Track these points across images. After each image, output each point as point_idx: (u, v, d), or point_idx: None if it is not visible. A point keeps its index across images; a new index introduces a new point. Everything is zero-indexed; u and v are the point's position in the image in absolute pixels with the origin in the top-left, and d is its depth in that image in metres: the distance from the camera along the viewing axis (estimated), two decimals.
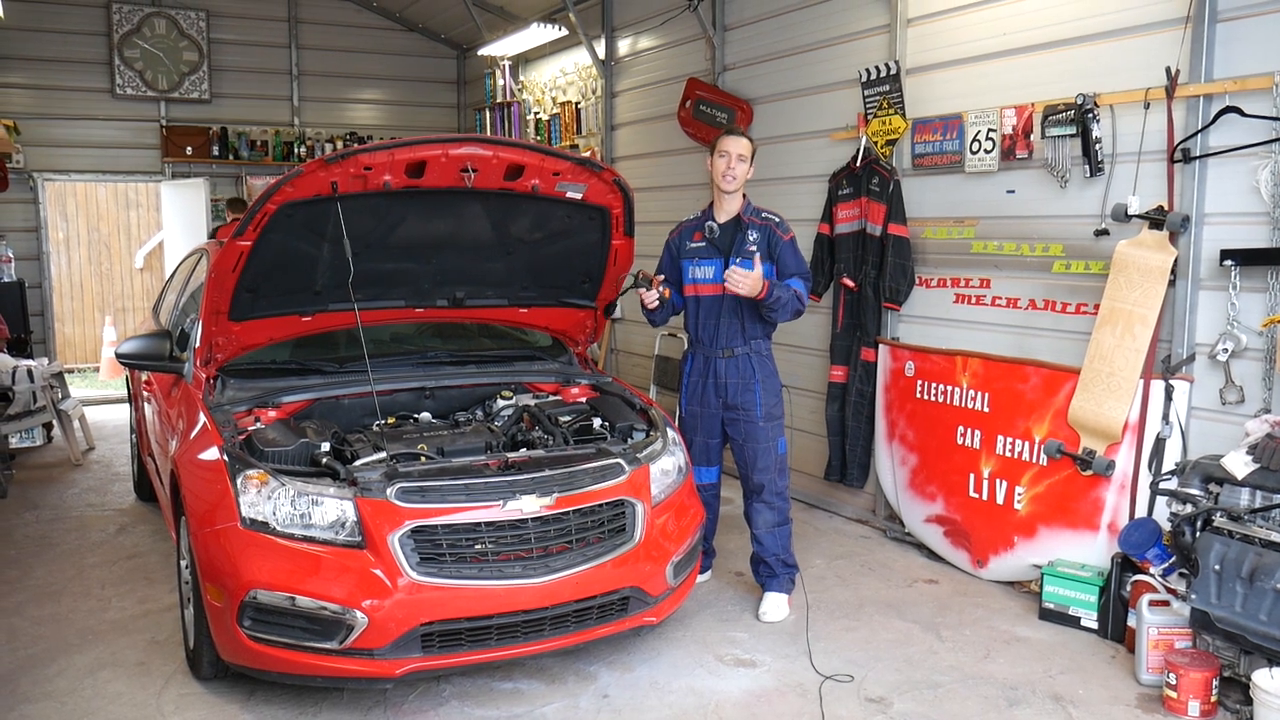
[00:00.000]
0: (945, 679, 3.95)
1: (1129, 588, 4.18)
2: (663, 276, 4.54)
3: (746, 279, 4.26)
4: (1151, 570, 4.09)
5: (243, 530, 3.49)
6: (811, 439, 6.30)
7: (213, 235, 9.83)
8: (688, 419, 4.68)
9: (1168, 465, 4.27)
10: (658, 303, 4.50)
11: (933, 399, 5.30)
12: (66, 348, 12.09)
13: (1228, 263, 4.07)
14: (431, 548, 3.49)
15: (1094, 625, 4.32)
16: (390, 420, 4.26)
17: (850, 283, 5.79)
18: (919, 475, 5.39)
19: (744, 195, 4.59)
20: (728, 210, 4.57)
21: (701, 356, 4.63)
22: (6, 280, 9.26)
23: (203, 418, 3.98)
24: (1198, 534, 3.75)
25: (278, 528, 3.48)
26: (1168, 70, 4.24)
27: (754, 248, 4.48)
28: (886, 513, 5.77)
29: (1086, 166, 4.58)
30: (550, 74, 9.71)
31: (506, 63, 10.33)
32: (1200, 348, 4.26)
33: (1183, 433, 4.31)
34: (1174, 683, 3.62)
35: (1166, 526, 4.06)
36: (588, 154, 8.44)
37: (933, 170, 5.41)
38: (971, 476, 5.05)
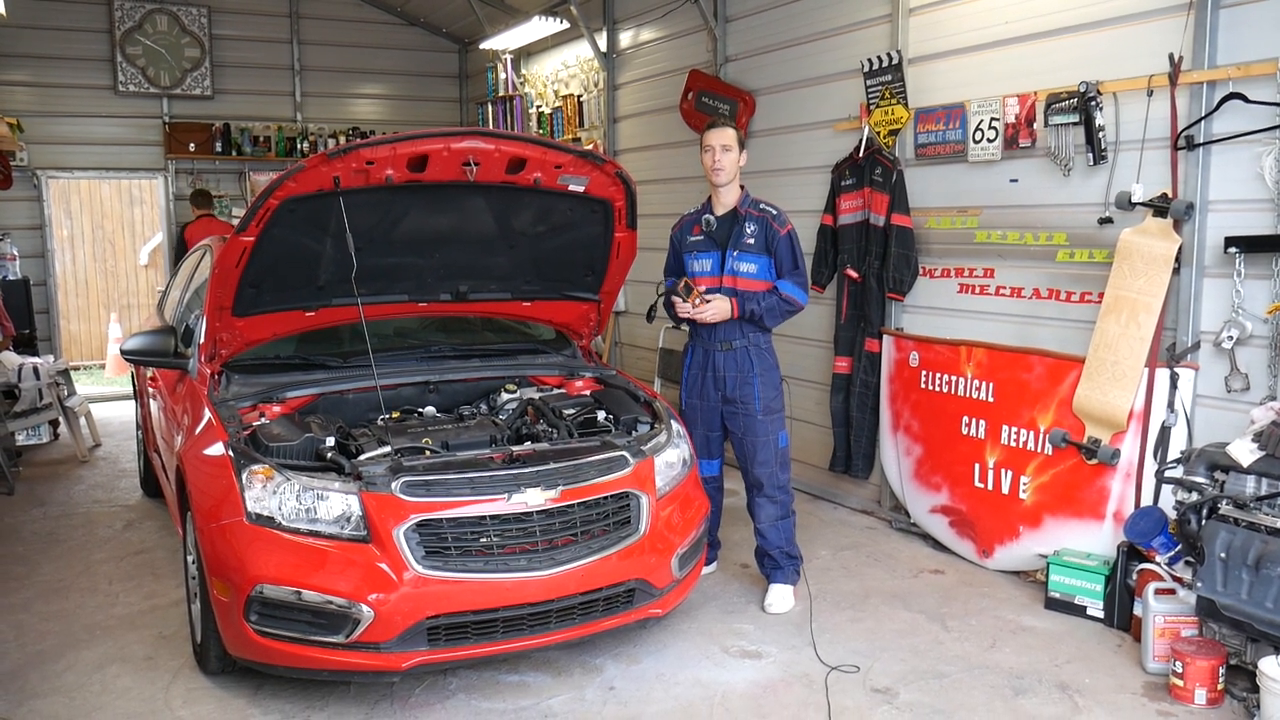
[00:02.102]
0: (951, 669, 3.95)
1: (1135, 576, 4.18)
2: (703, 288, 4.50)
3: (710, 311, 4.40)
4: (1157, 559, 4.08)
5: (248, 525, 3.50)
6: (816, 430, 6.30)
7: (181, 230, 9.86)
8: (688, 412, 4.68)
9: (1173, 453, 4.27)
10: (684, 323, 4.54)
11: (937, 389, 5.29)
12: (72, 345, 12.12)
13: (1232, 250, 4.05)
14: (437, 541, 3.49)
15: (1100, 614, 4.32)
16: (395, 415, 4.27)
17: (854, 273, 5.78)
18: (924, 466, 5.39)
19: (741, 187, 4.58)
20: (725, 203, 4.57)
21: (701, 349, 4.63)
22: (11, 278, 9.28)
23: (208, 413, 3.99)
24: (1203, 522, 3.74)
25: (283, 522, 3.49)
26: (1171, 57, 4.22)
27: (752, 240, 4.48)
28: (891, 503, 5.77)
29: (1090, 154, 4.57)
30: (552, 67, 9.70)
31: (508, 56, 10.32)
32: (1205, 335, 4.25)
33: (1188, 421, 4.30)
34: (1180, 671, 3.62)
35: (1172, 515, 4.06)
36: (590, 147, 8.43)
37: (936, 160, 5.39)
38: (977, 466, 5.05)
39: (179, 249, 9.91)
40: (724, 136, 4.46)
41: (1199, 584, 3.65)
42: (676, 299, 4.48)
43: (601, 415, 4.36)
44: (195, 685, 3.85)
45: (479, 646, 3.56)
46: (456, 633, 3.51)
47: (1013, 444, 4.88)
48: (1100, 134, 4.51)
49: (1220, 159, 4.16)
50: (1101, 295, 4.50)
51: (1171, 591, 3.91)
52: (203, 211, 9.81)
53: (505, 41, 9.73)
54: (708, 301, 4.45)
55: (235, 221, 9.83)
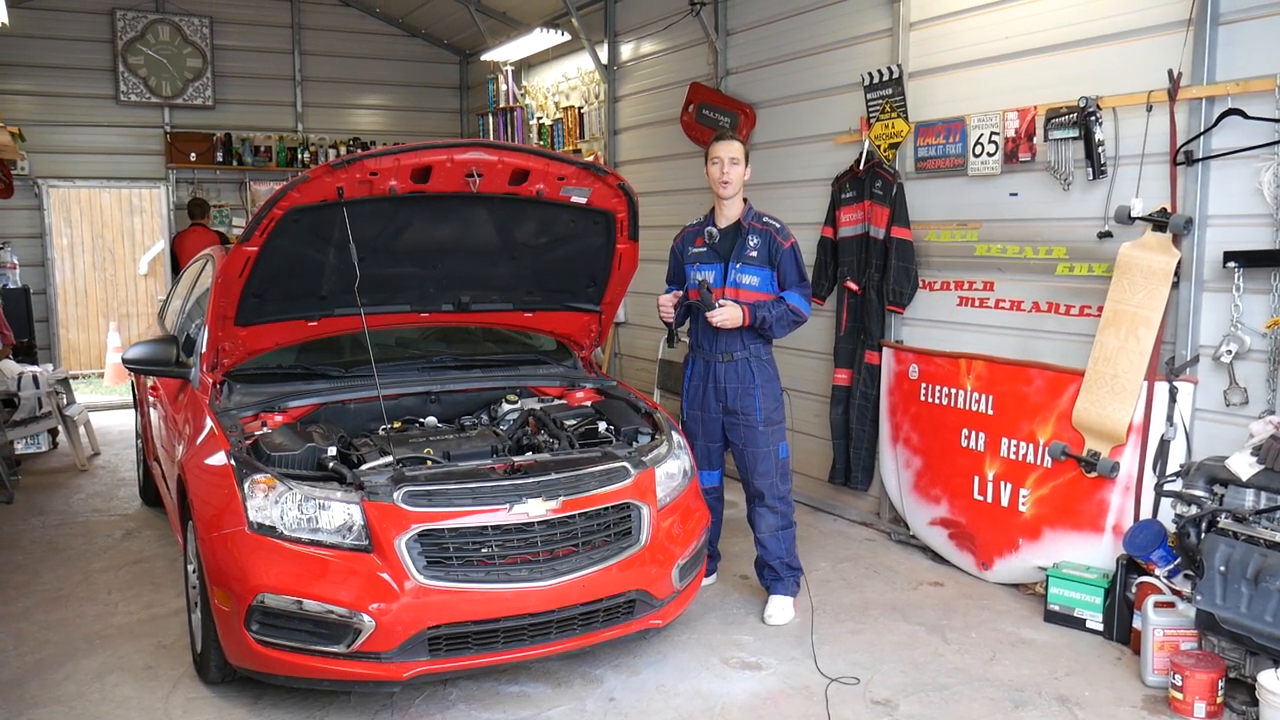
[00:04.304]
0: (951, 681, 3.95)
1: (1134, 589, 4.18)
2: (722, 289, 4.52)
3: (722, 315, 4.39)
4: (1157, 572, 4.09)
5: (250, 534, 3.50)
6: (815, 442, 6.31)
7: (172, 242, 9.99)
8: (689, 423, 4.69)
9: (1172, 467, 4.28)
10: (686, 333, 4.61)
11: (937, 402, 5.30)
12: (71, 354, 12.12)
13: (1231, 264, 4.08)
14: (438, 551, 3.50)
15: (1099, 627, 4.33)
16: (396, 425, 4.27)
17: (854, 286, 5.80)
18: (923, 478, 5.39)
19: (745, 199, 4.61)
20: (728, 215, 4.59)
21: (702, 361, 4.64)
22: (11, 286, 9.29)
23: (209, 423, 3.99)
24: (1203, 535, 3.75)
25: (285, 532, 3.49)
26: (1170, 73, 4.25)
27: (755, 253, 4.50)
28: (891, 516, 5.77)
29: (1089, 169, 4.59)
30: (553, 79, 9.73)
31: (509, 68, 10.36)
32: (1204, 349, 4.27)
33: (1187, 434, 4.32)
34: (1180, 684, 3.62)
35: (1171, 528, 4.07)
36: (591, 159, 8.46)
37: (935, 173, 5.42)
38: (976, 479, 5.06)
39: (172, 258, 9.97)
40: (732, 149, 4.49)
41: (1198, 597, 3.66)
42: (708, 298, 4.44)
43: (602, 426, 4.37)
44: (195, 695, 3.85)
45: (480, 657, 3.57)
46: (457, 643, 3.51)
47: (1012, 457, 4.89)
48: (1100, 148, 4.53)
49: (1219, 174, 4.18)
50: (1101, 309, 4.51)
51: (1171, 605, 3.92)
52: (196, 221, 9.87)
53: (506, 53, 9.77)
54: (722, 305, 4.46)
55: (230, 231, 10.02)
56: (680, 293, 4.63)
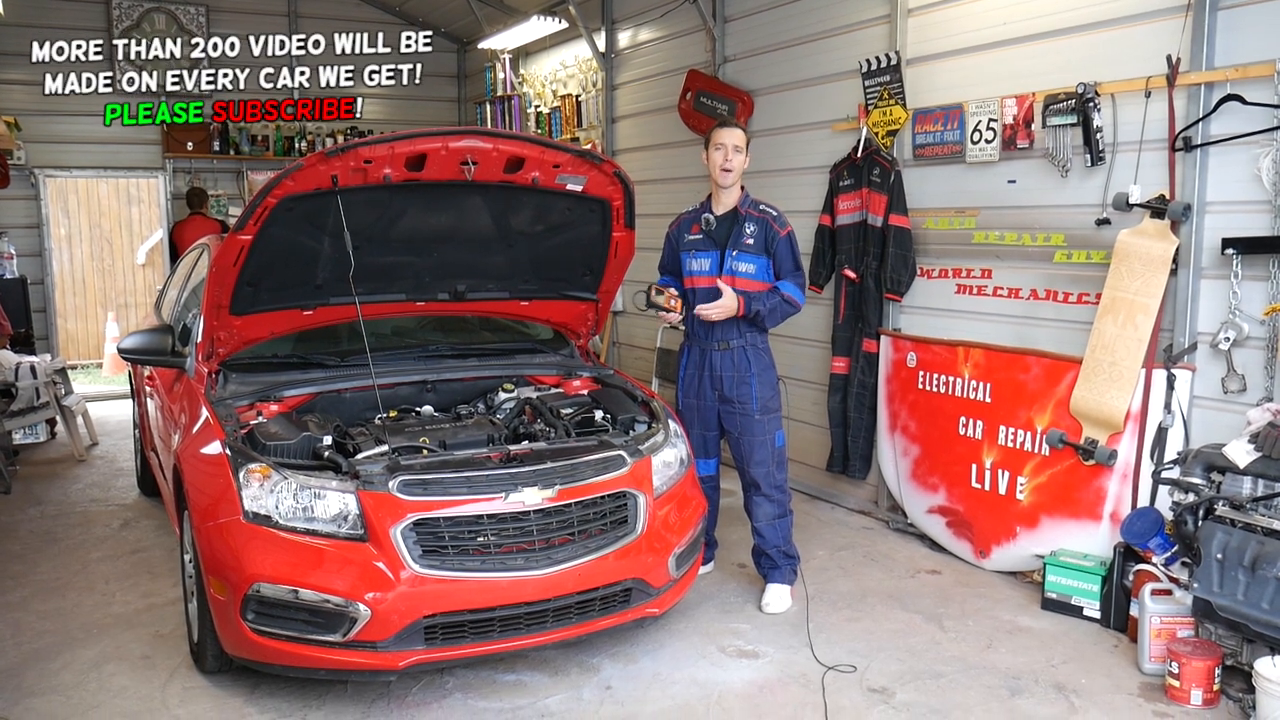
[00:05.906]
0: (948, 669, 3.96)
1: (1131, 577, 4.18)
2: (673, 291, 4.50)
3: (718, 308, 4.37)
4: (1154, 559, 4.09)
5: (245, 524, 3.50)
6: (813, 430, 6.30)
7: (172, 231, 9.99)
8: (684, 412, 4.68)
9: (1170, 454, 4.27)
10: (683, 321, 4.52)
11: (934, 390, 5.30)
12: (69, 344, 12.09)
13: (1229, 251, 4.06)
14: (434, 540, 3.49)
15: (1096, 615, 4.32)
16: (392, 414, 4.26)
17: (851, 274, 5.78)
18: (921, 466, 5.39)
19: (742, 187, 4.59)
20: (725, 203, 4.57)
21: (697, 349, 4.63)
22: (9, 277, 9.28)
23: (205, 412, 3.99)
24: (1200, 523, 3.75)
25: (280, 521, 3.49)
26: (1169, 59, 4.23)
27: (751, 240, 4.48)
28: (889, 504, 5.77)
29: (1088, 156, 4.57)
30: (550, 67, 9.70)
31: (507, 56, 10.32)
32: (1202, 337, 4.26)
33: (1185, 422, 4.31)
34: (1176, 671, 3.62)
35: (1169, 516, 4.06)
36: (588, 147, 8.44)
37: (934, 160, 5.40)
38: (974, 467, 5.05)
39: (171, 248, 9.96)
40: (736, 136, 4.47)
41: (1195, 585, 3.66)
42: (661, 314, 4.48)
43: (599, 415, 4.36)
44: (192, 684, 3.85)
45: (476, 645, 3.56)
46: (453, 632, 3.51)
47: (1010, 444, 4.88)
48: (1098, 135, 4.51)
49: (1218, 160, 4.16)
50: (1099, 296, 4.50)
51: (1168, 592, 3.92)
52: (195, 211, 9.86)
53: (504, 41, 9.73)
54: (676, 299, 4.45)
55: (229, 219, 10.01)
56: (675, 290, 4.58)
